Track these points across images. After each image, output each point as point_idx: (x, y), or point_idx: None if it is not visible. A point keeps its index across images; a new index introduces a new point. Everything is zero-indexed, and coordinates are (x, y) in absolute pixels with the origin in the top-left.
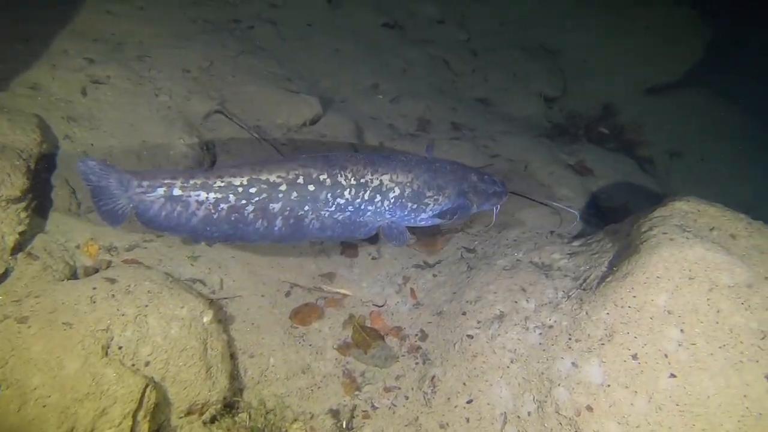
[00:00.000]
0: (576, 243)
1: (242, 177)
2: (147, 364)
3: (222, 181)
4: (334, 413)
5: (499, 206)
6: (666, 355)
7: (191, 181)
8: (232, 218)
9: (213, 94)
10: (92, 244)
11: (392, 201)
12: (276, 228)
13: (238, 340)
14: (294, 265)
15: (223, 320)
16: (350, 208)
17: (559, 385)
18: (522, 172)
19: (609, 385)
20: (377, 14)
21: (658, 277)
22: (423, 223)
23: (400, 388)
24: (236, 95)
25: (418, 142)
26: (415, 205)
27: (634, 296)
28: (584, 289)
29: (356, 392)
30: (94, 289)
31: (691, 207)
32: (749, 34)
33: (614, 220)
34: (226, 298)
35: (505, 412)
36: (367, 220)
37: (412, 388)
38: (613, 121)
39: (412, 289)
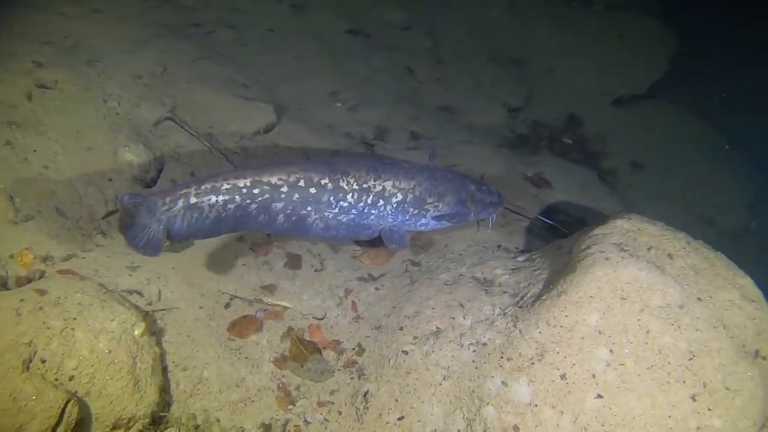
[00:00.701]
0: (521, 258)
1: (246, 179)
2: (71, 378)
3: (228, 184)
4: (266, 428)
5: (495, 215)
6: (594, 376)
7: (203, 186)
8: (238, 215)
9: (165, 101)
10: (27, 253)
11: (395, 206)
12: (278, 222)
13: (172, 353)
14: (235, 276)
15: (156, 332)
16: (354, 211)
17: (488, 403)
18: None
19: (536, 405)
20: (342, 20)
21: (590, 296)
22: (423, 228)
23: (333, 403)
24: (189, 102)
25: (374, 151)
26: (416, 211)
27: (567, 315)
28: (520, 307)
29: (290, 406)
30: (22, 300)
31: (632, 225)
32: (716, 47)
33: (566, 234)
34: (162, 310)
35: (435, 430)
36: (371, 223)
37: (346, 403)
38: (578, 132)
39: (353, 302)
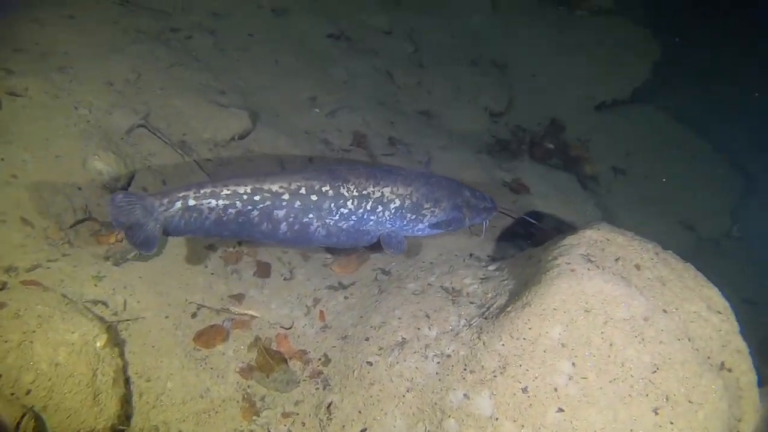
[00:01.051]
0: (491, 267)
1: (246, 186)
2: (28, 392)
3: (228, 190)
4: None
5: (488, 221)
6: (555, 389)
7: (202, 191)
8: (240, 220)
9: (138, 108)
10: None
11: (393, 212)
12: (281, 231)
13: (136, 364)
14: (204, 285)
15: (119, 344)
16: (353, 217)
17: (450, 416)
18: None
19: (497, 419)
20: (323, 24)
21: (554, 309)
22: (420, 233)
23: (298, 414)
24: (163, 109)
25: (351, 157)
26: (413, 216)
27: (530, 328)
28: (486, 318)
29: (254, 417)
30: None
31: (600, 236)
32: (700, 52)
33: (542, 241)
34: (127, 320)
35: None
36: (370, 228)
37: (310, 415)
38: (560, 137)
39: (321, 311)
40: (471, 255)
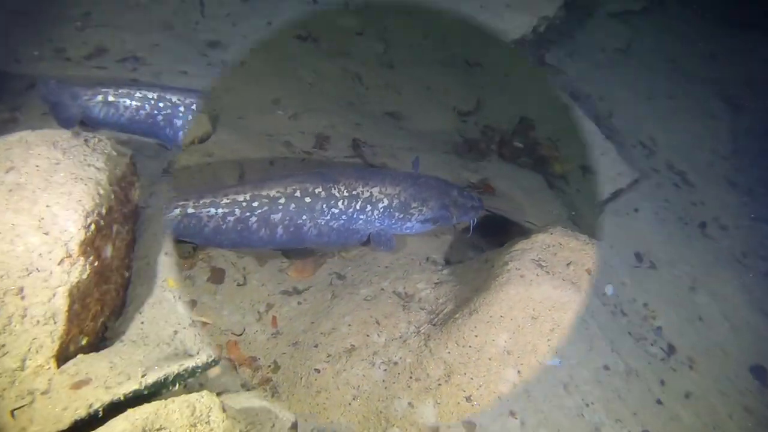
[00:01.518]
0: (446, 271)
1: (245, 194)
2: None
3: (227, 198)
4: None
5: (475, 219)
6: (499, 398)
7: (201, 201)
8: (239, 228)
9: None
10: None
11: (381, 211)
12: (278, 235)
13: None
14: None
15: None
16: (344, 217)
17: (394, 425)
18: None
19: (439, 428)
20: (291, 25)
21: (501, 316)
22: (408, 231)
23: None
24: None
25: (312, 161)
26: (401, 215)
27: (476, 335)
28: (434, 325)
29: None
30: None
31: (553, 240)
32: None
33: (502, 244)
34: None
35: None
36: (359, 227)
37: None
38: (529, 136)
39: (273, 317)
40: (428, 259)
